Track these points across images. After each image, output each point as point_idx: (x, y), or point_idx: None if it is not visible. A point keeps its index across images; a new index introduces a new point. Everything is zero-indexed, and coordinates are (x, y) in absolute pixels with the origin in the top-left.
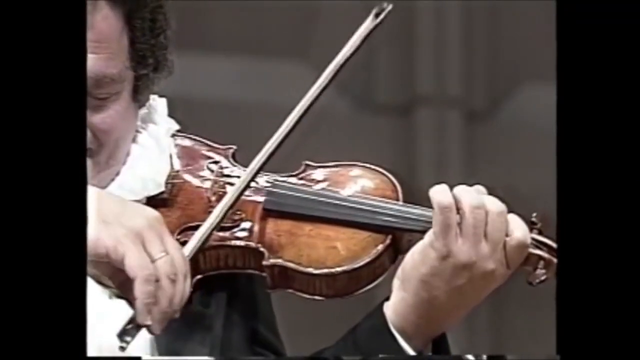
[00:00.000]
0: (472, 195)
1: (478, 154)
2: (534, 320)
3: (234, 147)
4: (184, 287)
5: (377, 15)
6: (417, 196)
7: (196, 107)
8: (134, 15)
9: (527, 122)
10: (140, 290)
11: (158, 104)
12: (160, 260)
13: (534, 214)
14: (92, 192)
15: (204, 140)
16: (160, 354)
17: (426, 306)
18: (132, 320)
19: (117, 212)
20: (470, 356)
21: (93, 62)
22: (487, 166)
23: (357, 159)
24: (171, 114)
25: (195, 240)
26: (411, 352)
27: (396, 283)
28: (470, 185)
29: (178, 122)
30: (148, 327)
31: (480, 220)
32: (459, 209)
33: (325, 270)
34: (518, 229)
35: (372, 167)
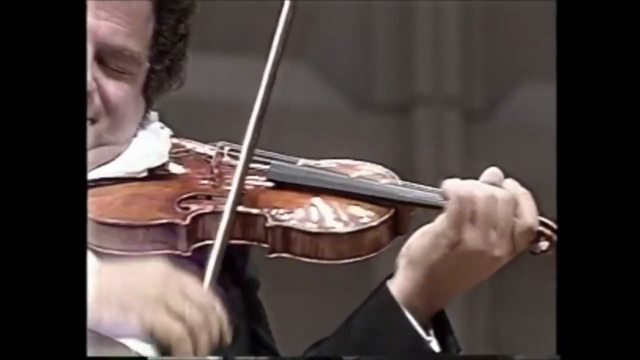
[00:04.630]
0: (484, 186)
1: (477, 153)
2: (534, 320)
3: (225, 144)
4: (217, 316)
5: None
6: None
7: (194, 108)
8: (164, 7)
9: (525, 121)
10: (178, 352)
11: (151, 115)
12: (188, 315)
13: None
14: (91, 284)
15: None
16: None
17: (433, 287)
18: None
19: (126, 288)
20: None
21: (115, 32)
22: (485, 165)
23: (356, 158)
24: (170, 114)
25: (215, 252)
26: (418, 328)
27: (402, 262)
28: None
29: (175, 121)
30: None
31: (492, 210)
32: (472, 199)
33: (331, 230)
34: (529, 214)
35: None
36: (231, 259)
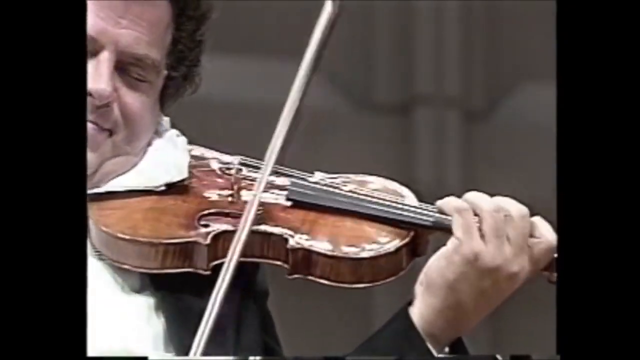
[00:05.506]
0: (486, 199)
1: (477, 153)
2: (534, 320)
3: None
4: None
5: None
6: (416, 197)
7: (195, 107)
8: (184, 13)
9: (525, 121)
10: None
11: (163, 120)
12: None
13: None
14: None
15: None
16: (174, 349)
17: (453, 311)
18: None
19: None
20: (498, 356)
21: (138, 41)
22: (485, 166)
23: (356, 158)
24: (170, 114)
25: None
26: (435, 354)
27: (419, 289)
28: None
29: (176, 122)
30: None
31: (500, 222)
32: (477, 214)
33: (352, 254)
34: (548, 233)
35: (385, 178)
36: (244, 269)
